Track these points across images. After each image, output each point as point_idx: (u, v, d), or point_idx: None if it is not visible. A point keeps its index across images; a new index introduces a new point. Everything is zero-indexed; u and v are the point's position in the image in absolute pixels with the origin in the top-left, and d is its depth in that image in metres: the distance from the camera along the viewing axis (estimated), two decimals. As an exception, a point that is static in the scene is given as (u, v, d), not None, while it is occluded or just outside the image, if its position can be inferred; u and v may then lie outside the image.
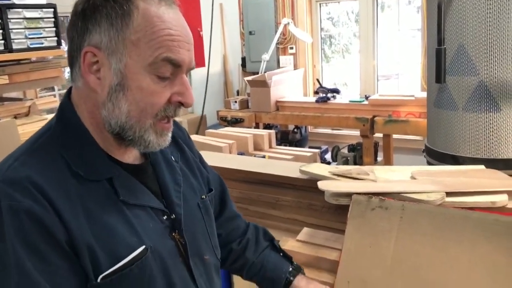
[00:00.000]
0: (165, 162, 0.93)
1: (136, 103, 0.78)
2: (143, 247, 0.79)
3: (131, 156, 0.88)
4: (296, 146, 3.88)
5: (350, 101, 3.79)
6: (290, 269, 1.12)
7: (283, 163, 1.78)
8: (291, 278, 1.10)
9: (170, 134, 0.86)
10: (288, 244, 1.30)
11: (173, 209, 0.89)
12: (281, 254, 1.16)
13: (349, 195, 1.21)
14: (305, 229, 1.38)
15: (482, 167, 1.35)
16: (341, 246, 1.18)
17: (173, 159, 0.96)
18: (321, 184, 1.26)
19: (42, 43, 2.84)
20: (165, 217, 0.87)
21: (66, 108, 0.83)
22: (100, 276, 0.75)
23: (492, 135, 1.58)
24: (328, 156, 3.98)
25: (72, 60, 0.81)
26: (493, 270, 0.98)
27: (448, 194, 1.15)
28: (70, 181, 0.76)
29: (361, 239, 1.14)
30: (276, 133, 4.05)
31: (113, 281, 0.76)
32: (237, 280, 2.70)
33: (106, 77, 0.78)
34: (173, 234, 0.87)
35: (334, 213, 1.40)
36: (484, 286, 0.98)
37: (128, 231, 0.79)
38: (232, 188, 1.72)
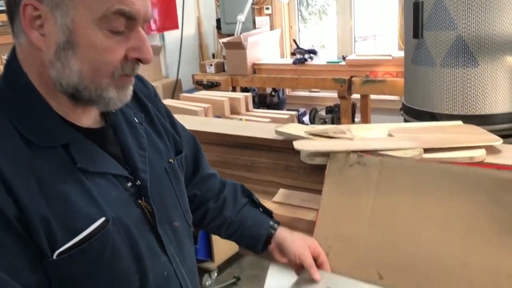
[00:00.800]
0: (127, 125, 0.87)
1: (88, 62, 0.71)
2: (103, 218, 0.73)
3: (88, 120, 0.80)
4: (274, 109, 3.84)
5: (328, 62, 3.75)
6: (271, 223, 1.08)
7: (259, 125, 1.75)
8: (272, 232, 1.07)
9: (131, 87, 0.79)
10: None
11: (138, 175, 0.83)
12: (261, 209, 1.12)
13: (325, 154, 1.18)
14: (281, 191, 1.35)
15: (460, 122, 1.33)
16: (317, 206, 1.16)
17: (136, 120, 0.89)
18: (296, 144, 1.22)
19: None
20: (129, 184, 0.81)
21: (13, 67, 0.75)
22: (57, 252, 0.69)
23: (470, 90, 1.57)
24: (306, 119, 3.96)
25: (12, 14, 0.72)
26: (470, 224, 0.97)
27: (426, 150, 1.13)
28: (21, 148, 0.69)
29: (339, 196, 1.12)
30: (254, 97, 3.99)
31: (72, 256, 0.70)
32: (216, 243, 2.71)
33: (51, 33, 0.70)
34: (139, 201, 0.82)
35: (311, 173, 1.38)
36: (461, 240, 0.97)
37: (87, 202, 0.73)
38: (207, 151, 1.67)
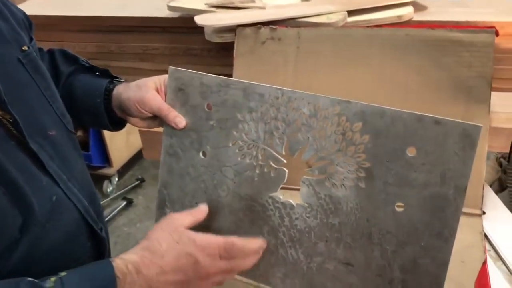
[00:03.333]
0: None
1: None
2: None
3: None
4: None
5: None
6: (105, 85, 0.79)
7: (146, 1, 1.45)
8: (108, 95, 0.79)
9: None
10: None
11: None
12: (98, 73, 0.84)
13: (234, 29, 0.99)
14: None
15: (377, -20, 1.19)
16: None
17: None
18: (198, 19, 1.00)
19: None
20: None
21: None
22: None
23: None
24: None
25: None
26: (405, 92, 0.88)
27: (350, 13, 0.99)
28: None
29: (252, 79, 0.96)
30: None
31: None
32: (111, 146, 2.48)
33: None
34: None
35: (217, 55, 1.20)
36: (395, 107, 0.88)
37: None
38: (85, 42, 1.38)
